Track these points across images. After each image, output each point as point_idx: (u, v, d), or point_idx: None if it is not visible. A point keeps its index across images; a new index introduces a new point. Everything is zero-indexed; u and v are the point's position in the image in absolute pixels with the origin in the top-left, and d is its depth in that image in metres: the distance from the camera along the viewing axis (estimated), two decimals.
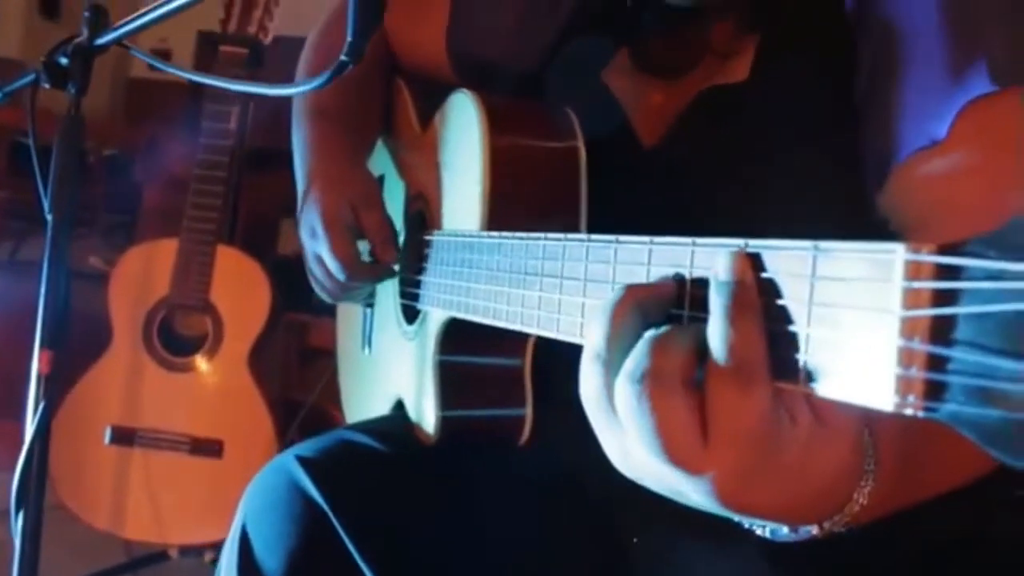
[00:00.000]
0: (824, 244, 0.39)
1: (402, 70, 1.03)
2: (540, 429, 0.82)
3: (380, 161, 1.03)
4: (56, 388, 0.93)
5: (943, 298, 0.34)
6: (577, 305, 0.56)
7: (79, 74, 0.96)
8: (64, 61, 0.98)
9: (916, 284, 0.34)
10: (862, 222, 0.68)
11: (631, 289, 0.47)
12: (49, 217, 0.96)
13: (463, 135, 0.79)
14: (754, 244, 0.43)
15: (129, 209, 3.04)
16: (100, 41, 0.96)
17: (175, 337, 1.78)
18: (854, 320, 0.37)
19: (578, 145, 0.77)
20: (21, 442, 0.92)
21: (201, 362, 1.75)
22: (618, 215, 0.75)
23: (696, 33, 0.79)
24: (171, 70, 0.85)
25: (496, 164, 0.75)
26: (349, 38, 0.55)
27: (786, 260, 0.41)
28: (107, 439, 1.72)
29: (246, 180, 2.17)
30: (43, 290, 0.94)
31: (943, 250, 0.34)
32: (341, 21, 0.78)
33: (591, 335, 0.46)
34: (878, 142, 0.67)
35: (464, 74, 0.98)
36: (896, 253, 0.35)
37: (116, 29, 0.93)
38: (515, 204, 0.75)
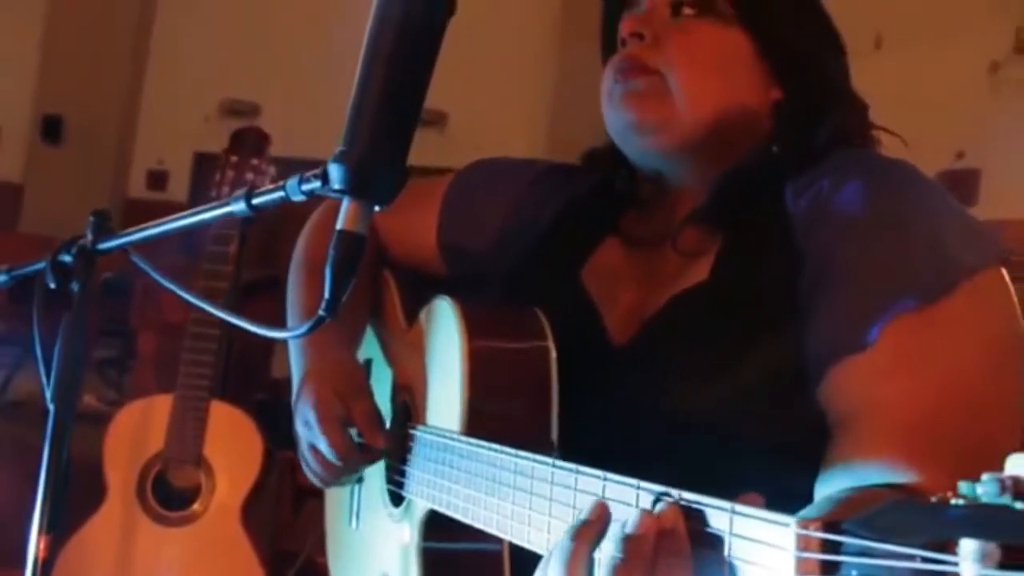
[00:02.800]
0: (739, 507, 0.48)
1: (389, 262, 1.12)
2: None
3: (369, 346, 1.11)
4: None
5: (828, 567, 0.42)
6: (544, 523, 0.64)
7: (83, 274, 0.99)
8: (68, 259, 1.04)
9: (805, 555, 0.42)
10: (806, 414, 0.76)
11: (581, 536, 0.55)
12: (51, 407, 1.02)
13: (445, 340, 0.88)
14: (686, 497, 0.51)
15: (123, 332, 3.08)
16: (103, 246, 1.01)
17: (169, 490, 1.83)
18: None
19: (548, 346, 0.85)
20: None
21: (194, 516, 1.80)
22: (590, 410, 0.83)
23: (666, 216, 0.90)
24: (190, 299, 0.91)
25: (474, 369, 0.84)
26: (327, 295, 0.62)
27: (710, 516, 0.49)
28: None
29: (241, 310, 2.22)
30: (43, 476, 0.98)
31: (827, 526, 0.43)
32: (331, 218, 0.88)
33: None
34: (816, 344, 0.76)
35: (453, 267, 1.08)
36: (790, 527, 0.43)
37: (120, 237, 1.00)
38: (492, 404, 0.84)
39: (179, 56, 7.52)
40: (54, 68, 5.87)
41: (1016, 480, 0.38)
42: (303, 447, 0.99)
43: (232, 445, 1.81)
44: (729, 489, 0.55)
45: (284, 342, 1.25)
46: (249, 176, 2.00)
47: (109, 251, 1.03)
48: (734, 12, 0.86)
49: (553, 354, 0.85)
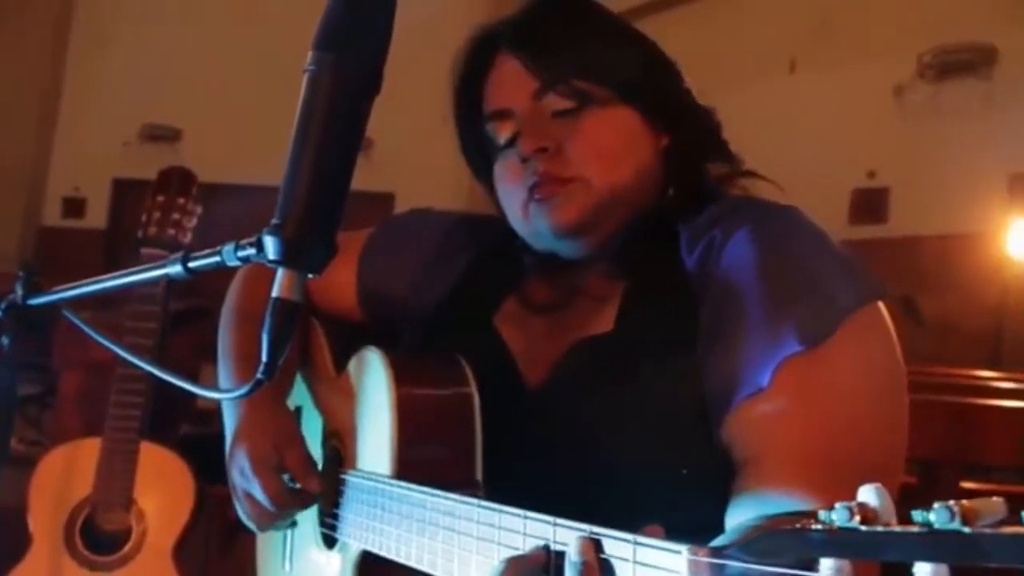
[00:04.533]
0: (641, 538, 0.55)
1: (316, 312, 1.17)
2: None
3: (298, 393, 1.16)
4: None
5: None
6: (471, 560, 0.70)
7: (11, 329, 1.00)
8: None
9: None
10: (709, 450, 0.83)
11: (512, 561, 0.61)
12: None
13: (373, 389, 0.94)
14: (596, 531, 0.58)
15: (43, 367, 3.03)
16: (33, 302, 1.01)
17: (98, 535, 1.82)
18: None
19: (471, 392, 0.91)
20: None
21: (125, 559, 1.79)
22: (508, 449, 0.89)
23: (571, 278, 0.97)
24: (135, 361, 0.94)
25: (402, 416, 0.89)
26: (264, 359, 0.66)
27: (617, 546, 0.56)
28: None
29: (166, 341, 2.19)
30: None
31: (713, 552, 0.50)
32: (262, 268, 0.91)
33: None
34: (714, 388, 0.83)
35: (373, 316, 1.13)
36: (682, 554, 0.51)
37: (51, 294, 1.02)
38: (420, 448, 0.89)
39: (96, 81, 7.40)
40: None
41: (862, 506, 0.45)
42: (239, 495, 1.03)
43: (163, 486, 1.81)
44: (639, 521, 0.62)
45: (212, 373, 1.27)
46: (175, 216, 2.01)
47: (39, 308, 1.05)
48: (609, 93, 0.91)
49: (476, 399, 0.91)
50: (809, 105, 6.33)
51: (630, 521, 0.60)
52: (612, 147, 0.91)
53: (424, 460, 0.88)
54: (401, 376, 0.91)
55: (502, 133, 0.95)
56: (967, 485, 2.01)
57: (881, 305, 0.83)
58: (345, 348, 1.06)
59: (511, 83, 0.94)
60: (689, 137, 0.95)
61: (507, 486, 0.85)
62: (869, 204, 6.40)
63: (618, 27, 0.98)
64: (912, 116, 6.35)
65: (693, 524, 0.69)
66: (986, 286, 5.73)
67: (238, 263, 0.76)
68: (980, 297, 5.73)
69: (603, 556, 0.57)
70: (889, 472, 0.79)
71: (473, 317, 1.02)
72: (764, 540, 0.48)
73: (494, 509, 0.68)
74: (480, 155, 1.00)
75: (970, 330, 5.65)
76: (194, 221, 2.03)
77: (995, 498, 0.41)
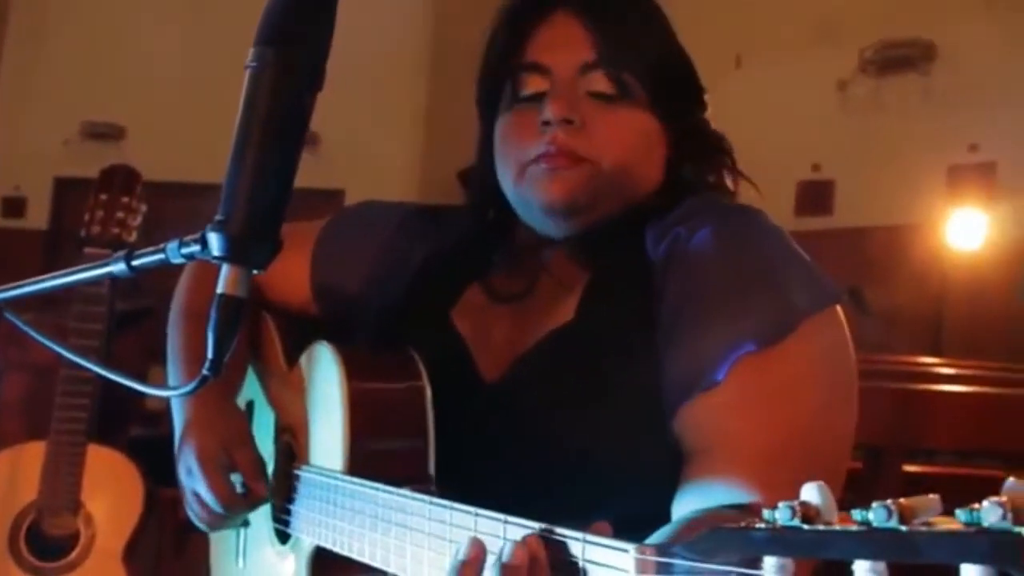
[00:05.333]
0: (590, 536, 0.55)
1: (267, 305, 1.16)
2: None
3: (250, 387, 1.14)
4: None
5: None
6: (422, 557, 0.70)
7: None
8: None
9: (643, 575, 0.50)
10: (666, 443, 0.84)
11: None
12: None
13: (325, 384, 0.93)
14: (545, 528, 0.59)
15: None
16: None
17: (44, 540, 1.78)
18: None
19: (423, 385, 0.91)
20: None
21: (73, 565, 1.76)
22: (464, 444, 0.89)
23: (536, 257, 0.96)
24: (75, 358, 0.92)
25: (354, 411, 0.89)
26: (210, 355, 0.66)
27: (566, 545, 0.57)
28: None
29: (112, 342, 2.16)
30: None
31: (660, 550, 0.51)
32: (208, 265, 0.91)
33: None
34: (670, 380, 0.84)
35: (327, 309, 1.12)
36: (629, 553, 0.51)
37: None
38: (373, 443, 0.89)
39: (35, 77, 7.21)
40: None
41: (805, 505, 0.46)
42: (187, 494, 1.01)
43: (111, 489, 1.78)
44: (595, 513, 0.62)
45: (160, 376, 1.25)
46: (120, 215, 1.97)
47: None
48: (646, 96, 0.92)
49: (428, 393, 0.90)
50: (755, 99, 6.42)
51: (587, 514, 0.61)
52: (632, 145, 0.92)
53: (376, 455, 0.88)
54: (353, 370, 0.91)
55: (528, 86, 0.93)
56: (910, 469, 2.06)
57: (838, 309, 0.85)
58: (298, 342, 1.05)
59: (565, 45, 0.93)
60: (696, 162, 0.96)
61: (465, 480, 0.86)
62: (814, 196, 6.53)
63: (674, 38, 0.98)
64: (855, 110, 6.48)
65: (649, 515, 0.69)
66: (927, 275, 5.88)
67: (182, 260, 0.75)
68: (922, 286, 5.88)
69: (552, 553, 0.57)
70: (835, 471, 0.81)
71: (428, 312, 1.01)
72: (709, 539, 0.49)
73: (445, 506, 0.69)
74: (490, 101, 0.98)
75: (913, 318, 5.79)
76: (139, 220, 1.99)
77: (931, 495, 0.42)
